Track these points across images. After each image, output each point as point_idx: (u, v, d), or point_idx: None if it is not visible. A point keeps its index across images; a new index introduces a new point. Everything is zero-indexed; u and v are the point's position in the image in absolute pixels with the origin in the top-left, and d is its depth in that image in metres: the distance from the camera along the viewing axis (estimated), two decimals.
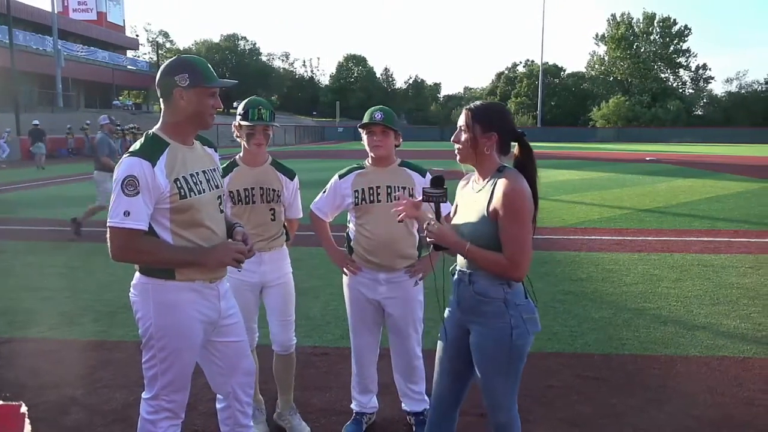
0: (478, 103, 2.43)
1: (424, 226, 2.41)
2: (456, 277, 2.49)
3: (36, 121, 25.51)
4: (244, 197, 3.21)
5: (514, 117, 2.46)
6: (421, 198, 2.53)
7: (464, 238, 2.33)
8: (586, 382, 3.98)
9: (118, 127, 33.40)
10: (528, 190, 2.29)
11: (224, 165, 3.16)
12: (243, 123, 3.15)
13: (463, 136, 2.38)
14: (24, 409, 1.65)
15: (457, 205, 2.55)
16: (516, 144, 2.42)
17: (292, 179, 3.33)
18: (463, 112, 2.41)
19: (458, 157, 2.44)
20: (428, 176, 3.02)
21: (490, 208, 2.29)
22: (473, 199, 2.40)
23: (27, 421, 1.65)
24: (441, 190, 2.47)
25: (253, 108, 3.13)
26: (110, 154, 9.14)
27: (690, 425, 3.42)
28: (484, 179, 2.39)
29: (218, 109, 2.45)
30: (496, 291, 2.33)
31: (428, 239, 2.40)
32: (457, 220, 2.46)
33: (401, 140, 3.22)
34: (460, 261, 2.46)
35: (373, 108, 3.15)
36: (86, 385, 3.94)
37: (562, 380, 4.01)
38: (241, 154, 3.29)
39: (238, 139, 3.26)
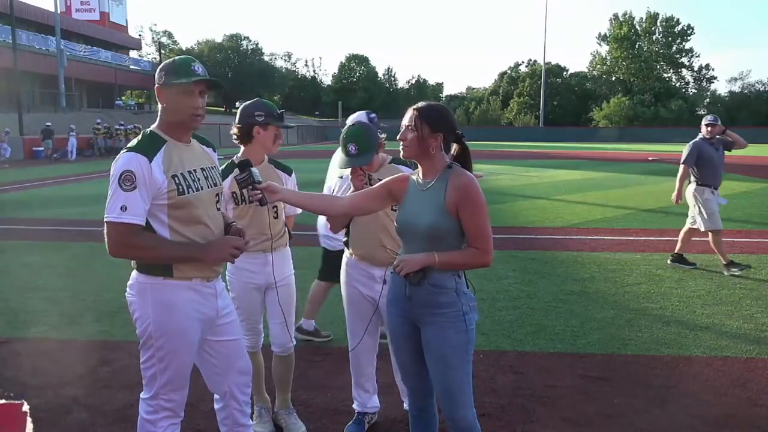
0: (424, 104, 2.49)
1: (394, 265, 2.44)
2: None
3: (48, 123, 30.39)
4: (247, 196, 3.20)
5: (456, 118, 2.56)
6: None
7: (419, 232, 2.40)
8: (588, 382, 3.97)
9: (120, 128, 33.70)
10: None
11: (223, 166, 3.13)
12: (275, 124, 3.17)
13: (410, 135, 2.43)
14: (26, 407, 1.64)
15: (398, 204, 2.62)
16: (455, 144, 2.51)
17: (290, 175, 3.37)
18: (411, 111, 2.46)
19: (403, 154, 2.50)
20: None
21: (448, 203, 2.36)
22: (421, 196, 2.45)
23: (29, 419, 1.64)
24: (246, 173, 2.55)
25: (279, 111, 3.21)
26: (699, 163, 6.90)
27: (693, 425, 3.41)
28: (430, 177, 2.46)
29: (198, 107, 2.34)
30: (449, 281, 2.42)
31: (400, 275, 2.41)
32: (406, 217, 2.48)
33: (385, 144, 3.29)
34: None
35: (346, 138, 2.96)
36: (88, 385, 3.94)
37: (564, 380, 4.00)
38: (238, 155, 3.27)
39: (236, 141, 3.24)
